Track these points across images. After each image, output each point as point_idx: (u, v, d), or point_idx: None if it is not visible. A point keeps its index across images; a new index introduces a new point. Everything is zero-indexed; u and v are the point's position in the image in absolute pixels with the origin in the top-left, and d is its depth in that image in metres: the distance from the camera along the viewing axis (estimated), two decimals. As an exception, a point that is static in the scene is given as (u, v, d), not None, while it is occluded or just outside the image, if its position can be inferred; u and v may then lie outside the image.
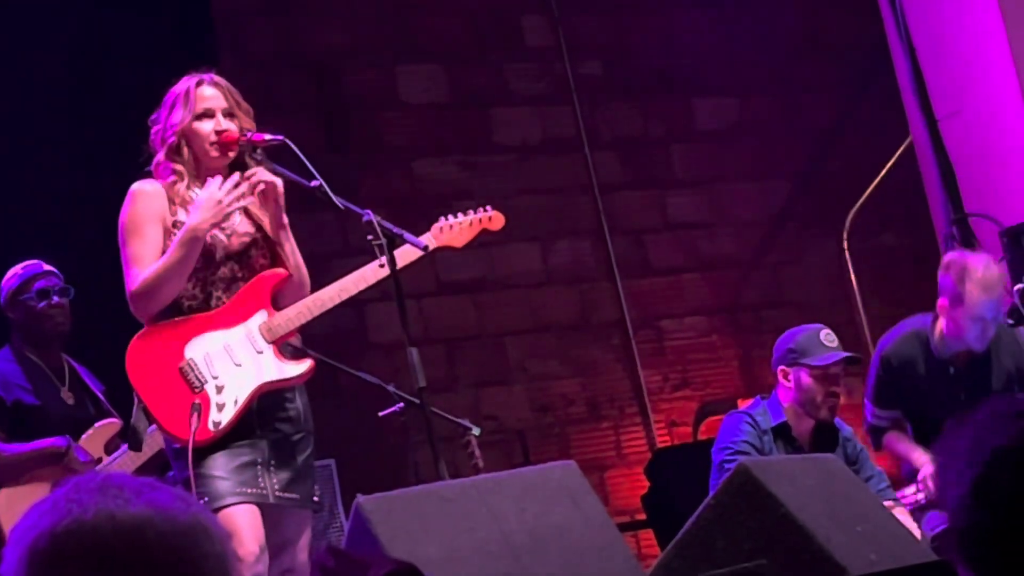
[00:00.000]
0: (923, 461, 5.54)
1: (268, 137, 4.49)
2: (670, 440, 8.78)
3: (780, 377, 5.41)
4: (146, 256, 4.37)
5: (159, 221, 4.42)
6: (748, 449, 5.25)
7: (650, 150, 9.24)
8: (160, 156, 4.50)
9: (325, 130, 8.25)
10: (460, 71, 8.78)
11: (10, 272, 5.69)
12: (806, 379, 5.36)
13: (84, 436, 5.52)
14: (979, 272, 5.54)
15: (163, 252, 4.38)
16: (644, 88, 9.23)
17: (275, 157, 4.56)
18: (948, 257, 5.71)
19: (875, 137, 8.84)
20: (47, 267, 5.68)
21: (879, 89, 8.72)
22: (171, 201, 4.46)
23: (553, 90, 8.98)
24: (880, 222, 9.17)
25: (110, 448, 5.51)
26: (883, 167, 8.63)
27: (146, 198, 4.45)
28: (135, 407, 4.49)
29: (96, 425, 5.53)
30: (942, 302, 5.62)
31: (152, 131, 4.56)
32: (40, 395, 5.58)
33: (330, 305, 4.51)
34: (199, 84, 4.52)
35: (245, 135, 4.49)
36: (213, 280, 4.47)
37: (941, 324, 5.67)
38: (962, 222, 7.39)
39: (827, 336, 5.42)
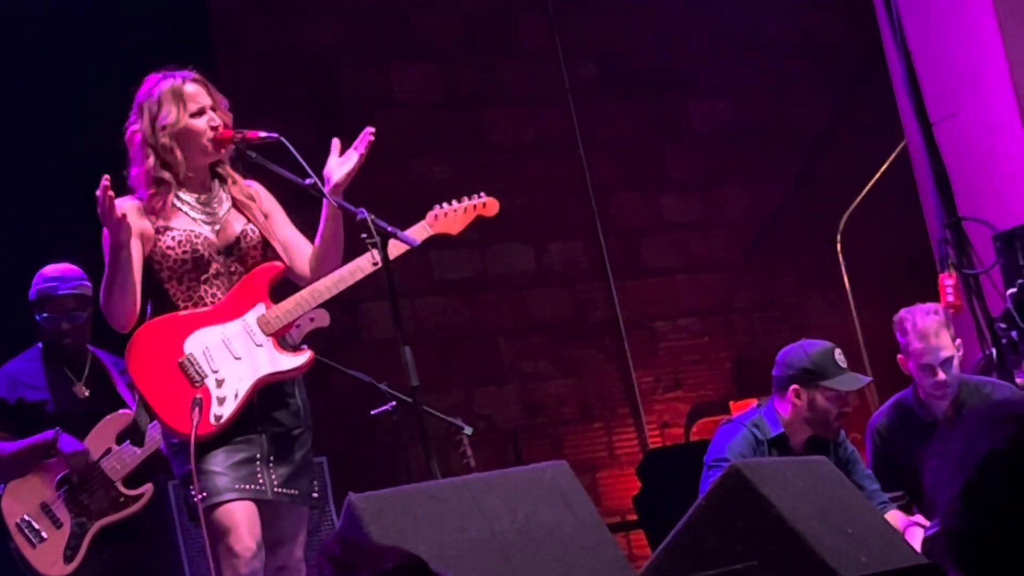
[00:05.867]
0: (909, 525, 5.44)
1: (263, 134, 4.49)
2: (662, 441, 8.79)
3: (791, 395, 5.36)
4: None
5: (136, 237, 4.38)
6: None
7: (644, 151, 9.24)
8: (149, 163, 4.45)
9: (319, 128, 8.25)
10: (455, 71, 8.78)
11: (36, 276, 5.74)
12: (823, 401, 5.34)
13: (94, 429, 5.57)
14: (915, 320, 5.56)
15: (140, 266, 4.39)
16: (639, 90, 9.23)
17: (269, 154, 4.56)
18: (898, 314, 5.72)
19: (869, 140, 8.85)
20: (65, 287, 5.68)
21: (874, 92, 8.72)
22: (152, 213, 4.44)
23: (548, 91, 8.99)
24: (874, 225, 9.18)
25: (122, 439, 5.55)
26: (877, 170, 8.64)
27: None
28: (136, 403, 4.50)
29: (106, 417, 5.57)
30: (900, 358, 5.65)
31: (128, 131, 4.51)
32: (48, 391, 5.65)
33: (327, 296, 4.51)
34: (184, 82, 4.50)
35: (240, 132, 4.49)
36: (206, 278, 4.47)
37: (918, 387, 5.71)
38: (956, 226, 7.39)
39: (840, 356, 5.41)
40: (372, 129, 4.51)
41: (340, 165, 4.49)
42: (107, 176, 4.20)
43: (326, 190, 4.42)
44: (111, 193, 4.17)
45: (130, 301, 4.32)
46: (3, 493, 5.53)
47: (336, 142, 4.54)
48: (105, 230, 4.42)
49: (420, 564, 1.97)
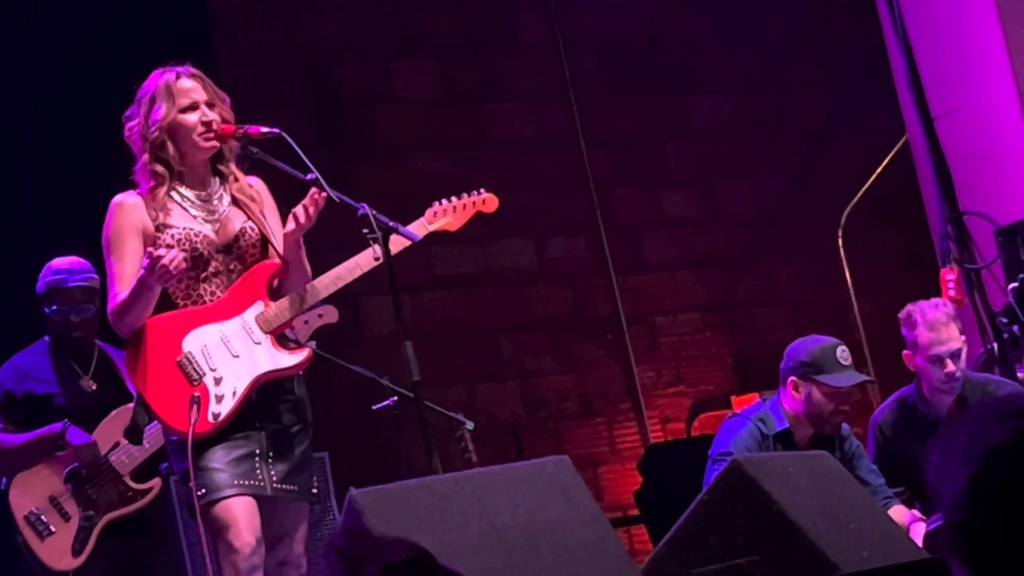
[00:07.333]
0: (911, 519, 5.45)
1: (264, 130, 4.49)
2: (663, 436, 8.78)
3: (790, 387, 5.37)
4: (125, 274, 4.39)
5: (138, 234, 4.42)
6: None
7: (645, 147, 9.24)
8: (144, 157, 4.47)
9: (319, 124, 8.25)
10: (455, 66, 8.77)
11: (44, 269, 5.74)
12: (818, 395, 5.33)
13: (102, 422, 5.57)
14: (926, 313, 5.56)
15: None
16: (640, 85, 9.23)
17: (270, 150, 4.56)
18: (904, 309, 5.72)
19: (870, 135, 8.84)
20: (74, 280, 5.70)
21: (875, 87, 8.72)
22: (152, 208, 4.45)
23: (549, 86, 8.98)
24: (875, 220, 9.18)
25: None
26: (878, 165, 8.63)
27: (124, 212, 4.45)
28: (135, 401, 4.50)
29: (114, 411, 5.58)
30: (906, 354, 5.64)
31: (126, 127, 4.52)
32: (56, 384, 5.66)
33: (325, 294, 4.52)
34: (178, 77, 4.50)
35: (241, 128, 4.48)
36: (205, 276, 4.46)
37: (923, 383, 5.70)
38: (957, 220, 7.39)
39: (843, 353, 5.39)
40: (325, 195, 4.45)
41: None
42: (180, 256, 4.25)
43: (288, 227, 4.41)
44: (179, 261, 4.24)
45: (143, 320, 4.39)
46: (11, 486, 5.54)
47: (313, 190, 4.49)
48: (107, 232, 4.43)
49: (428, 557, 1.97)
